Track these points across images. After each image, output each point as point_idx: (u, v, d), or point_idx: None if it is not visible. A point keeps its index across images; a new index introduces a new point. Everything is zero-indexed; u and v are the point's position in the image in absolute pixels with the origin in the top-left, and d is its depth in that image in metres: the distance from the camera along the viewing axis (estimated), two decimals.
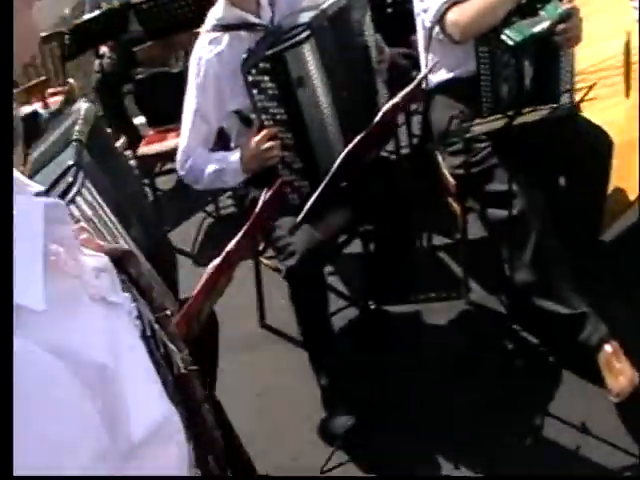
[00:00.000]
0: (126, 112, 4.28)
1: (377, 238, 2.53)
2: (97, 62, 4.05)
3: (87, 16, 3.86)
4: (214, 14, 2.30)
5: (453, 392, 2.31)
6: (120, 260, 0.72)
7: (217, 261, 1.56)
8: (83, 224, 0.73)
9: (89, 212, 1.60)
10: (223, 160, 2.28)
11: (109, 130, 4.40)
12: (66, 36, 3.75)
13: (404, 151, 3.48)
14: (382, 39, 2.42)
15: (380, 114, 2.00)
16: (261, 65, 2.11)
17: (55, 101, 4.45)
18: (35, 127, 2.93)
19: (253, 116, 2.24)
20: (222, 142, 2.60)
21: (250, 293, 2.80)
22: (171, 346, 0.72)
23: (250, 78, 2.14)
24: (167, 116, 3.50)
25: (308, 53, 2.11)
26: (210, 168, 2.27)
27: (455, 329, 2.60)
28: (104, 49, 4.19)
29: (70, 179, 1.61)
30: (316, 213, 2.15)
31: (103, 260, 0.69)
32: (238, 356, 2.60)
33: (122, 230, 1.68)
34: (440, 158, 2.52)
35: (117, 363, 0.59)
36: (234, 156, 2.26)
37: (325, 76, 2.17)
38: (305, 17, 2.18)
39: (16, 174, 0.61)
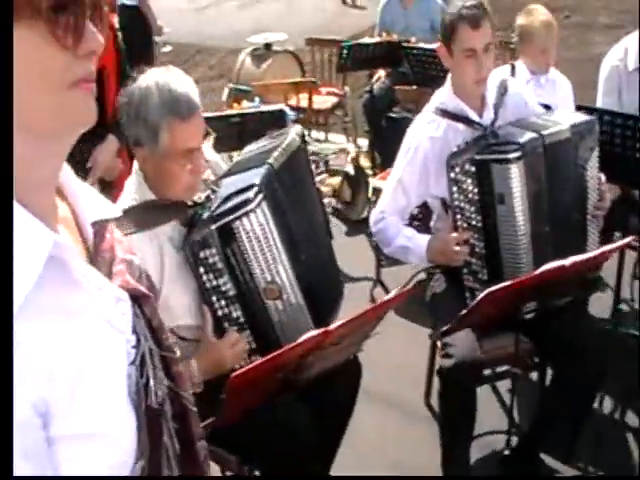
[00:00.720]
0: (385, 134, 4.43)
1: (557, 377, 2.28)
2: (370, 83, 4.25)
3: (369, 40, 4.05)
4: (439, 96, 2.26)
5: None
6: (138, 298, 0.81)
7: (313, 334, 1.56)
8: (127, 257, 0.84)
9: (258, 231, 1.69)
10: (412, 239, 2.25)
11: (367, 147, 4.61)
12: (344, 50, 3.97)
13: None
14: (605, 183, 2.20)
15: (540, 270, 1.87)
16: (466, 167, 2.07)
17: (321, 101, 4.78)
18: (280, 123, 3.18)
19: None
20: (426, 211, 2.59)
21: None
22: (152, 381, 0.80)
23: (452, 174, 2.10)
24: None
25: (515, 174, 2.00)
26: (399, 241, 2.27)
27: None
28: (381, 72, 4.39)
29: (250, 195, 1.70)
30: (487, 328, 2.09)
31: (124, 294, 0.80)
32: (395, 424, 2.60)
33: (285, 259, 1.73)
34: None
35: (74, 385, 0.70)
36: (423, 241, 2.22)
37: (528, 202, 2.05)
38: (524, 135, 2.06)
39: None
